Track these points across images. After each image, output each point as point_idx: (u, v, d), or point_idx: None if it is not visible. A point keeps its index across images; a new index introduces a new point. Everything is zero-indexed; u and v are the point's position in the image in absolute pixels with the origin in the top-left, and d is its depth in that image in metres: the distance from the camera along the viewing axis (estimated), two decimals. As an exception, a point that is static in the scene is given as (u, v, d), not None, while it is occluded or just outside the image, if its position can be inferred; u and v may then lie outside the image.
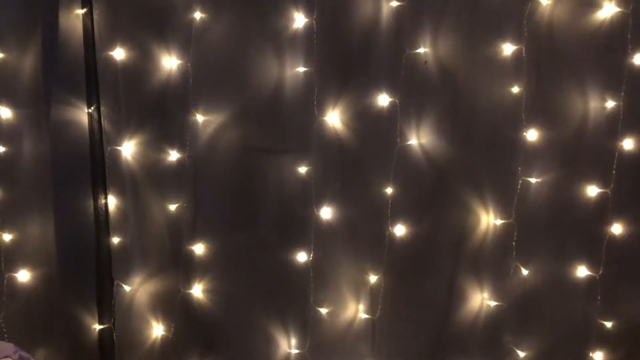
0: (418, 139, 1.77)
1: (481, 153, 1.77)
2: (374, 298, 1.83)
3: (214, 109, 1.78)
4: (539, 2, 1.70)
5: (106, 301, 1.83)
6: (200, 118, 1.78)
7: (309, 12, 1.72)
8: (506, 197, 1.77)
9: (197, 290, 1.84)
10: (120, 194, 1.81)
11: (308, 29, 1.73)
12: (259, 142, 1.80)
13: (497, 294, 1.81)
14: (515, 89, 1.72)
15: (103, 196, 1.80)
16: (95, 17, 1.73)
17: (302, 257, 1.82)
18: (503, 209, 1.78)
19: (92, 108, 1.77)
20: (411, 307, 1.85)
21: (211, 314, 1.85)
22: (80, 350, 1.84)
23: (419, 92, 1.75)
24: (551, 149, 1.75)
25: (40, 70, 1.75)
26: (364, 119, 1.77)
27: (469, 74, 1.74)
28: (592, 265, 1.78)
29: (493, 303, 1.82)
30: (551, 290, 1.80)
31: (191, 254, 1.82)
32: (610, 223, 1.76)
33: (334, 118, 1.77)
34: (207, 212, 1.82)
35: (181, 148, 1.79)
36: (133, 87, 1.77)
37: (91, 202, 1.79)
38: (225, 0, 1.74)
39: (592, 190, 1.75)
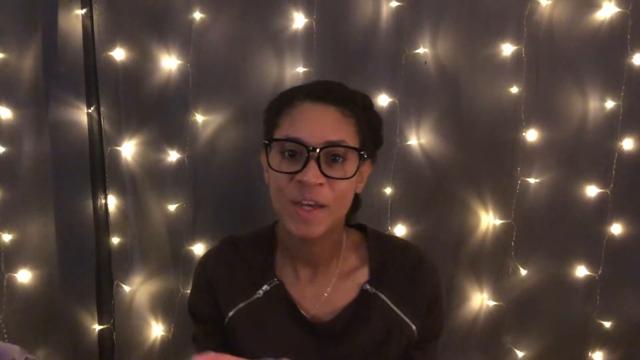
0: (418, 139, 1.77)
1: (481, 153, 1.77)
2: (374, 298, 1.83)
3: (214, 109, 1.78)
4: (539, 2, 1.70)
5: (106, 301, 1.83)
6: (200, 118, 1.78)
7: (308, 12, 1.72)
8: (505, 197, 1.77)
9: (197, 290, 1.84)
10: (120, 194, 1.81)
11: (308, 29, 1.73)
12: (259, 142, 1.79)
13: (496, 293, 1.81)
14: (515, 89, 1.72)
15: (103, 196, 1.80)
16: (95, 17, 1.73)
17: (301, 257, 1.81)
18: (502, 209, 1.78)
19: (92, 108, 1.76)
20: (411, 307, 1.85)
21: (211, 314, 1.85)
22: (80, 350, 1.84)
23: (419, 92, 1.75)
24: (550, 149, 1.75)
25: (41, 70, 1.74)
26: (363, 119, 1.77)
27: (469, 74, 1.74)
28: (591, 265, 1.78)
29: (492, 303, 1.82)
30: (550, 290, 1.80)
31: (191, 254, 1.82)
32: (609, 223, 1.76)
33: (333, 118, 1.77)
34: (207, 212, 1.82)
35: (181, 148, 1.79)
36: (133, 87, 1.77)
37: (91, 202, 1.79)
38: (225, 0, 1.74)
39: (592, 191, 1.75)
